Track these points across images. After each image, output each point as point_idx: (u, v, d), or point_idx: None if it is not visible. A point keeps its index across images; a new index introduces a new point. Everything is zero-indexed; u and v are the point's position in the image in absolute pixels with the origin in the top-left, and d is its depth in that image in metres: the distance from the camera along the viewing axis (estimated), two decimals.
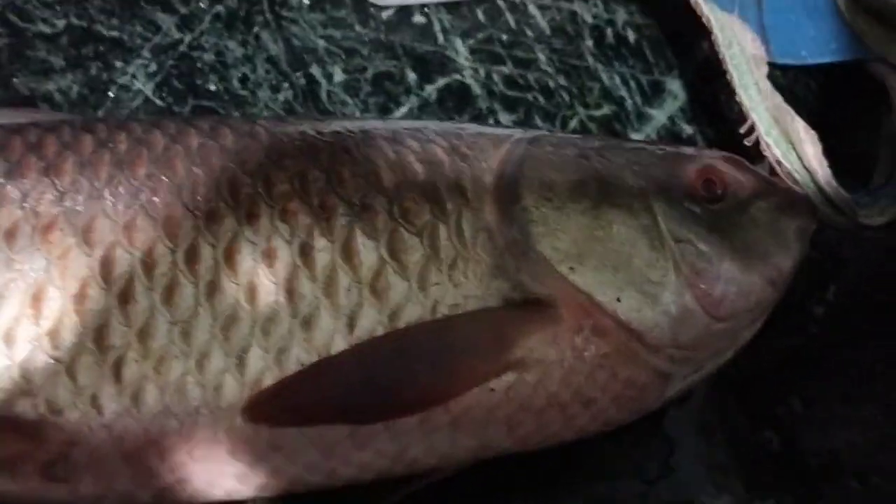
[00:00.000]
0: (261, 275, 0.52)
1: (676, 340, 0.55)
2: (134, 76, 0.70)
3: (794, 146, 0.65)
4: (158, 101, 0.70)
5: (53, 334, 0.50)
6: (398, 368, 0.52)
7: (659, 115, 0.75)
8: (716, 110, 0.74)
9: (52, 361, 0.50)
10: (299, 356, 0.51)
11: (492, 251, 0.54)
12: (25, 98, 0.69)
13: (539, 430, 0.56)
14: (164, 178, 0.54)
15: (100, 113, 0.69)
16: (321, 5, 0.74)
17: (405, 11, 0.75)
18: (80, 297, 0.51)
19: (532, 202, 0.56)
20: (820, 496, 0.64)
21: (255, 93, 0.71)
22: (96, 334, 0.50)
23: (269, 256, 0.52)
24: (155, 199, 0.53)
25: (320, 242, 0.53)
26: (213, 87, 0.71)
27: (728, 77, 0.68)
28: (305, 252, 0.53)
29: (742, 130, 0.67)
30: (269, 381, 0.51)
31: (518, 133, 0.60)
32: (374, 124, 0.61)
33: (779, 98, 0.67)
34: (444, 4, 0.75)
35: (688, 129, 0.75)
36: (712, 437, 0.64)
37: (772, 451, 0.65)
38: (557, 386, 0.54)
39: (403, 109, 0.73)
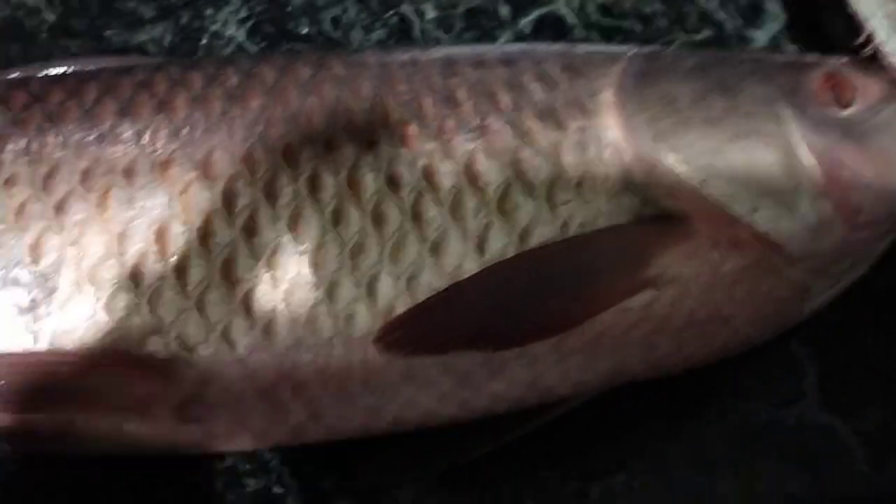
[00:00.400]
0: (385, 201, 0.51)
1: (815, 251, 0.53)
2: (225, 23, 0.69)
3: None
4: (251, 47, 0.69)
5: (180, 270, 0.49)
6: (531, 289, 0.50)
7: (760, 37, 0.72)
8: (818, 28, 0.71)
9: (180, 297, 0.49)
10: (430, 282, 0.50)
11: (619, 167, 0.52)
12: (118, 51, 0.68)
13: (676, 351, 0.54)
14: (278, 108, 0.53)
15: None
16: None
17: None
18: (204, 231, 0.50)
19: (656, 115, 0.53)
20: None
21: (347, 34, 0.70)
22: (224, 268, 0.49)
23: (391, 182, 0.51)
24: (272, 130, 0.52)
25: (444, 166, 0.51)
26: (305, 31, 0.70)
27: None
28: (429, 176, 0.51)
29: (858, 42, 0.64)
30: (400, 308, 0.50)
31: (633, 49, 0.58)
32: (484, 49, 0.60)
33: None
34: None
35: (791, 50, 0.72)
36: (844, 360, 0.62)
37: None
38: (695, 303, 0.52)
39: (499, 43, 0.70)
